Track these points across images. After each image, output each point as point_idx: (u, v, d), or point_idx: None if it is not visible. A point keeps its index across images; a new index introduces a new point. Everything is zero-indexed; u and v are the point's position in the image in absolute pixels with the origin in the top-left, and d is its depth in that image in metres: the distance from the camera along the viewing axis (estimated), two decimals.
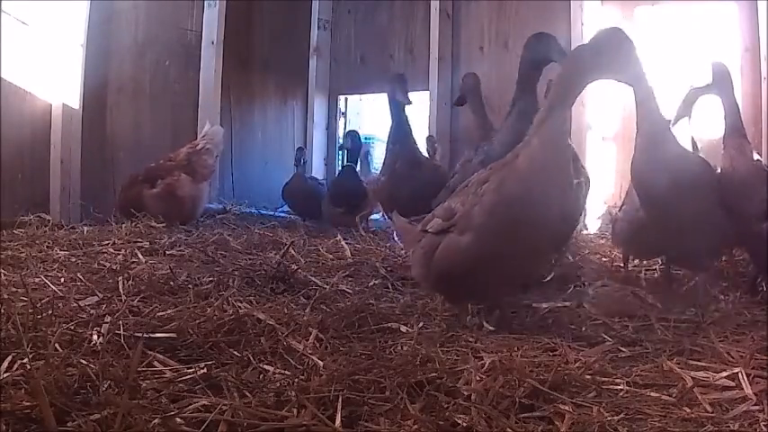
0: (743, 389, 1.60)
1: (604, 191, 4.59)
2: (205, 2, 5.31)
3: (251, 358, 1.77)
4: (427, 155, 4.65)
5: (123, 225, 3.86)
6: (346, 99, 6.38)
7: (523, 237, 2.02)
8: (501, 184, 2.03)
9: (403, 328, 2.13)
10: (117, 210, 4.19)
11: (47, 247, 3.31)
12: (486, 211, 2.03)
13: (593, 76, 2.11)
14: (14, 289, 2.37)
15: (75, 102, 4.43)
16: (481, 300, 2.32)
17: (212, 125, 4.65)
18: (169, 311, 2.17)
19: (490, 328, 2.18)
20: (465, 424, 1.38)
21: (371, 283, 2.90)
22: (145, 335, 1.84)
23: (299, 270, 2.85)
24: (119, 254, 3.18)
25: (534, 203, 1.99)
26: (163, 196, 4.13)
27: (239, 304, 2.28)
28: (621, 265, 3.17)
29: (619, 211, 3.09)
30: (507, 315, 2.25)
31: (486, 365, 1.69)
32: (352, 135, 4.79)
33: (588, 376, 1.68)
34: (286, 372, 1.69)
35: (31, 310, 1.95)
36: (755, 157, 2.61)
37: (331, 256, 3.54)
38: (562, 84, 2.07)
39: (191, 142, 4.49)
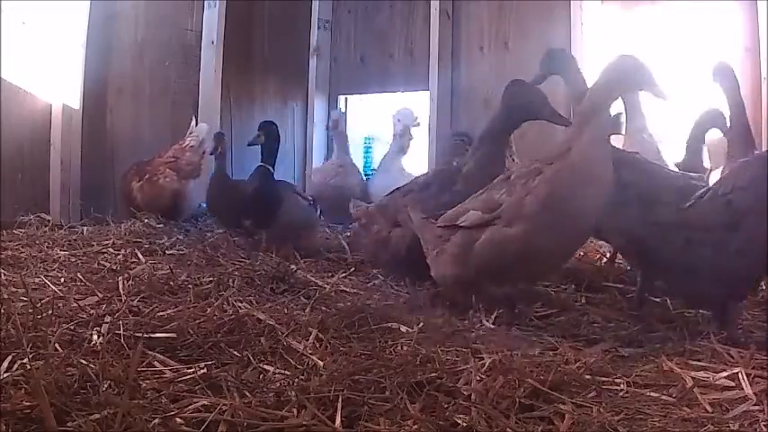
0: (743, 389, 1.60)
1: None
2: (205, 2, 5.31)
3: (251, 358, 1.77)
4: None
5: (123, 225, 3.86)
6: (346, 99, 6.37)
7: (570, 227, 2.08)
8: (556, 176, 2.07)
9: (403, 329, 2.13)
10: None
11: (47, 247, 3.31)
12: (540, 202, 2.05)
13: (630, 85, 2.17)
14: (14, 289, 2.37)
15: (76, 102, 4.43)
16: (507, 297, 2.28)
17: (198, 123, 4.69)
18: (169, 311, 2.17)
19: (490, 326, 2.19)
20: (465, 424, 1.38)
21: (371, 283, 2.90)
22: (145, 335, 1.84)
23: (299, 270, 2.85)
24: (119, 254, 3.18)
25: (584, 196, 2.06)
26: (145, 188, 4.28)
27: (239, 304, 2.28)
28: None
29: None
30: (512, 313, 2.25)
31: (486, 365, 1.69)
32: (267, 126, 3.75)
33: (588, 376, 1.68)
34: (286, 372, 1.68)
35: (31, 310, 1.95)
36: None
37: (331, 255, 3.54)
38: (604, 88, 2.11)
39: (179, 140, 4.55)
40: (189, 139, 4.49)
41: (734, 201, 2.07)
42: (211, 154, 4.26)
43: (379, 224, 2.80)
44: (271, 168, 3.62)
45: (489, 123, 2.65)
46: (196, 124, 4.64)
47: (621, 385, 1.65)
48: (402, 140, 4.88)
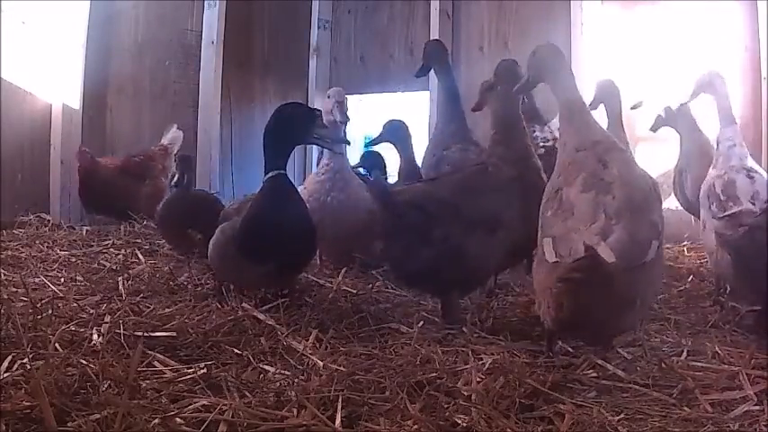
0: (743, 389, 1.60)
1: None
2: (205, 2, 5.31)
3: (251, 358, 1.77)
4: None
5: (122, 226, 3.86)
6: (346, 99, 6.36)
7: None
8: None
9: (403, 329, 2.13)
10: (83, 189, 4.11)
11: (47, 247, 3.31)
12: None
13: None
14: (14, 289, 2.37)
15: (76, 102, 4.44)
16: None
17: (174, 129, 4.62)
18: (169, 311, 2.17)
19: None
20: (465, 424, 1.38)
21: (371, 284, 2.89)
22: (145, 334, 1.84)
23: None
24: (119, 254, 3.18)
25: None
26: (157, 195, 3.97)
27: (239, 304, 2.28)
28: None
29: None
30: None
31: (487, 366, 1.69)
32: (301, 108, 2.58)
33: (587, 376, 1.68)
34: (286, 372, 1.68)
35: (31, 310, 1.95)
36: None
37: None
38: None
39: (159, 143, 4.49)
40: (168, 144, 4.45)
41: None
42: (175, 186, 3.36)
43: (443, 227, 2.16)
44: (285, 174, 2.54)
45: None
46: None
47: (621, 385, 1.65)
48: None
